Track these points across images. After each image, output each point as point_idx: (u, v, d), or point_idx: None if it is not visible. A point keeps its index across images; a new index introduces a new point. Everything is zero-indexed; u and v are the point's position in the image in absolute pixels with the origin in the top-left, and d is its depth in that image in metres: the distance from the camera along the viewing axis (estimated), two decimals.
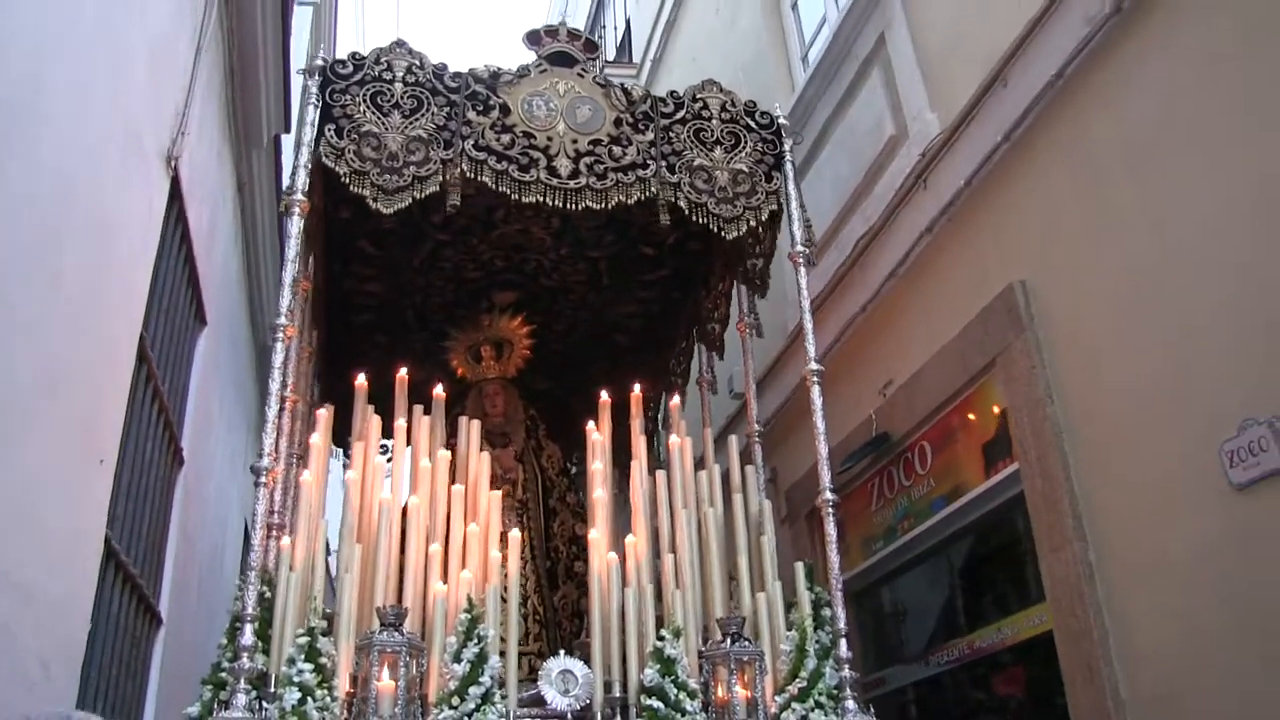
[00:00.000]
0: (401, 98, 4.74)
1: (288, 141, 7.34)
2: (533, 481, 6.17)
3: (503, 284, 6.27)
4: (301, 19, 8.88)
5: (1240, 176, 3.60)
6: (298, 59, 8.02)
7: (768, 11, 7.90)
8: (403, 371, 5.23)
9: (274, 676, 3.79)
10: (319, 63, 4.73)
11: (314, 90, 4.68)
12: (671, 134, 5.04)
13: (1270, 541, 3.40)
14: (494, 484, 5.76)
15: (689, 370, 6.35)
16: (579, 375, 6.87)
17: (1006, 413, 4.85)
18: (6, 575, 3.24)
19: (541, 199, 4.75)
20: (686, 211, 4.94)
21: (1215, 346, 3.67)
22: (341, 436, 5.47)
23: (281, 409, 4.71)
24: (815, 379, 4.85)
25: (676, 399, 5.66)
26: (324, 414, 4.81)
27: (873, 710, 4.33)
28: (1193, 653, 3.70)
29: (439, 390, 5.36)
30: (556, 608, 5.83)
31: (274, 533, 4.47)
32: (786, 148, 5.21)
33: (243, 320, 8.14)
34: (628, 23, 12.11)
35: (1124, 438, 4.08)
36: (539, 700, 4.17)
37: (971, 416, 5.22)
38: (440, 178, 4.63)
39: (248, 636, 3.76)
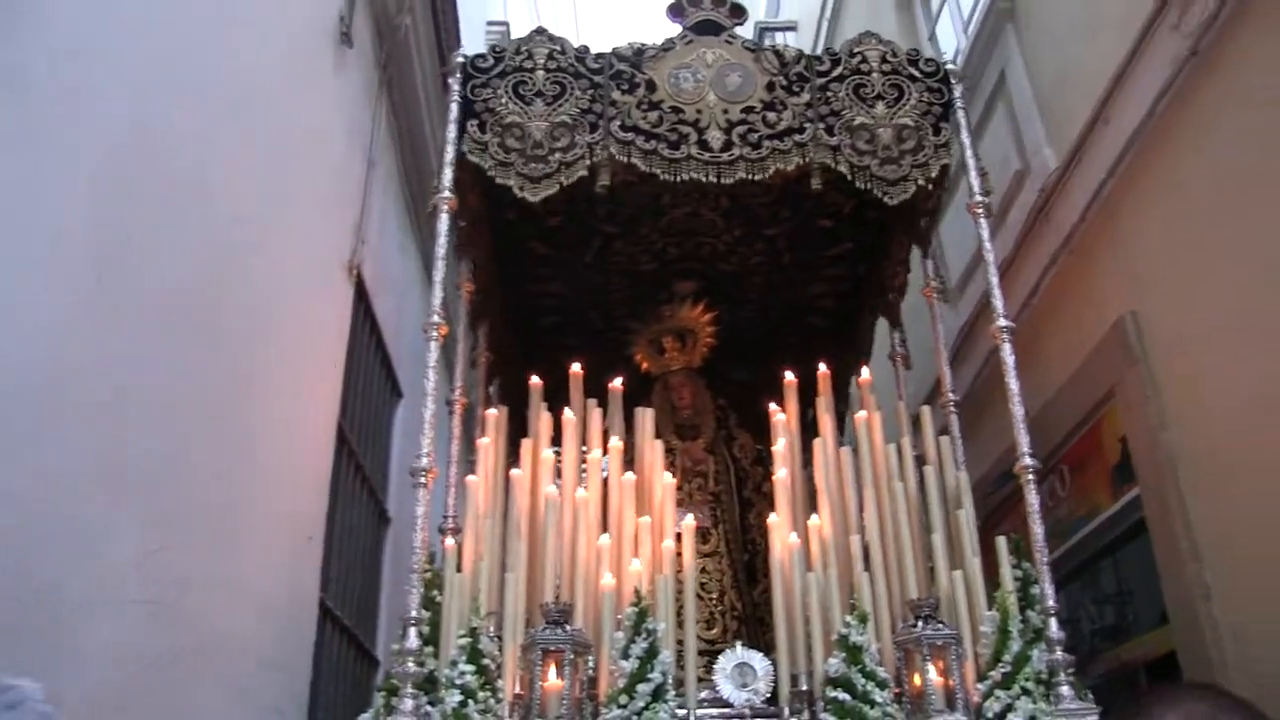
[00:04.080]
0: (544, 85, 4.62)
1: None
2: (725, 473, 5.91)
3: (681, 273, 6.02)
4: None
5: None
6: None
7: (905, 40, 7.57)
8: (576, 365, 5.09)
9: (441, 679, 3.72)
10: (459, 59, 4.67)
11: (455, 88, 4.62)
12: (829, 93, 4.72)
13: None
14: (685, 477, 5.61)
15: (871, 345, 6.00)
16: (773, 361, 6.58)
17: (1126, 439, 4.93)
18: (236, 637, 3.79)
19: (695, 175, 4.55)
20: (849, 176, 4.63)
21: None
22: None
23: (451, 409, 4.72)
24: (1006, 336, 4.43)
25: (866, 373, 5.33)
26: (493, 415, 4.74)
27: (1091, 697, 3.90)
28: None
29: (616, 382, 5.21)
30: (756, 603, 5.54)
31: (447, 536, 4.44)
32: (957, 94, 4.81)
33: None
34: None
35: (1235, 463, 4.10)
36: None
37: (1099, 442, 5.30)
38: (587, 162, 4.50)
39: (412, 640, 3.70)
